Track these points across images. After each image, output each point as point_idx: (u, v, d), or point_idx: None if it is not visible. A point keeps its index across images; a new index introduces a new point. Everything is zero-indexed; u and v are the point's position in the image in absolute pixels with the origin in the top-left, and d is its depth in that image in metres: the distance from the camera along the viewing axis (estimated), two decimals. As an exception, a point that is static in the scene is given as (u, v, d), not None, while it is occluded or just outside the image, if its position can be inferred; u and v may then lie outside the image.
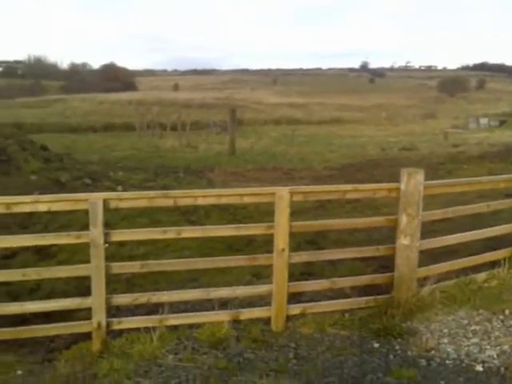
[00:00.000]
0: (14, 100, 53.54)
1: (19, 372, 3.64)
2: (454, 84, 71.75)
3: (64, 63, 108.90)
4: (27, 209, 3.97)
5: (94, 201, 3.81)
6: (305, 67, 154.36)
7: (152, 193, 4.21)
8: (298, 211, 8.73)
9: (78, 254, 6.35)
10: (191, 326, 4.17)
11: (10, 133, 17.45)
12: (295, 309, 4.34)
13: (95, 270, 3.86)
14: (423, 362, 3.70)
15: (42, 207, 3.89)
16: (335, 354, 3.83)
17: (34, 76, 75.98)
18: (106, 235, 3.87)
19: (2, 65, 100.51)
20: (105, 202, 3.83)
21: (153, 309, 4.74)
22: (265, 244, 6.47)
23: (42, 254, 6.83)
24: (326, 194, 4.61)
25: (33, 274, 4.17)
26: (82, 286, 5.21)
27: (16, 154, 13.73)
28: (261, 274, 5.63)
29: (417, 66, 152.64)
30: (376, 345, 3.96)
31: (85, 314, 4.33)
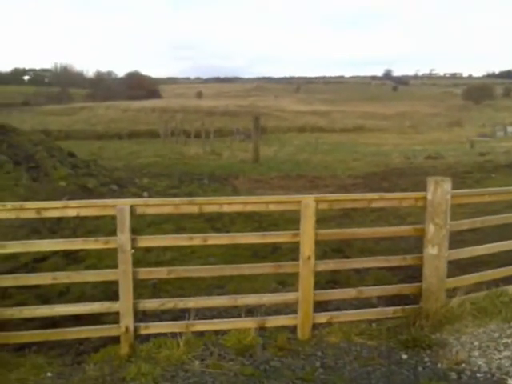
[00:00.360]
0: (42, 107, 54.80)
1: (49, 374, 3.70)
2: (479, 92, 70.65)
3: (90, 71, 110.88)
4: (57, 214, 4.07)
5: (121, 207, 3.86)
6: (327, 75, 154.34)
7: (178, 199, 4.25)
8: (322, 219, 8.71)
9: (105, 259, 6.44)
10: (217, 333, 4.18)
11: (38, 140, 17.82)
12: (321, 317, 4.31)
13: (123, 275, 3.91)
14: (453, 375, 3.62)
15: (72, 212, 3.97)
16: (362, 364, 3.80)
17: (60, 84, 77.66)
18: (133, 241, 3.92)
19: (30, 73, 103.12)
20: (132, 208, 3.89)
21: (178, 314, 4.78)
22: (290, 252, 6.47)
23: (71, 259, 6.94)
24: (352, 203, 4.59)
25: (63, 277, 4.24)
26: (109, 291, 5.28)
27: (44, 161, 14.01)
28: (286, 282, 5.62)
29: (441, 74, 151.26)
30: (404, 356, 3.90)
31: (112, 318, 4.40)
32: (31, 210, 3.87)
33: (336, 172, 18.65)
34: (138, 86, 77.18)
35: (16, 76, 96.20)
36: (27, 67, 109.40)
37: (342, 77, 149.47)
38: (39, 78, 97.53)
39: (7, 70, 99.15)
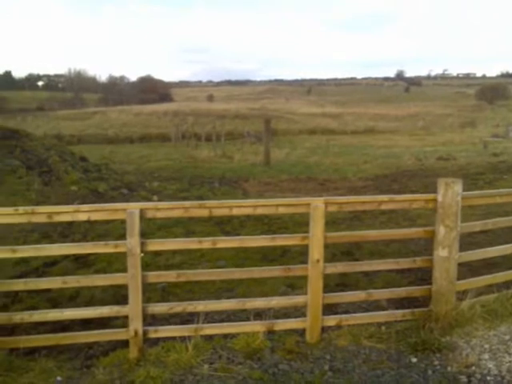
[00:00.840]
0: (56, 112, 55.39)
1: (59, 378, 3.72)
2: (493, 92, 69.83)
3: (103, 76, 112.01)
4: (68, 218, 4.09)
5: (131, 210, 3.88)
6: (339, 77, 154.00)
7: (188, 203, 4.24)
8: (331, 221, 8.68)
9: (115, 263, 6.49)
10: (226, 336, 4.18)
11: (50, 144, 18.04)
12: (331, 320, 4.29)
13: (132, 278, 3.92)
14: (463, 379, 3.59)
15: (82, 217, 3.99)
16: (372, 367, 3.77)
17: (73, 89, 78.47)
18: (143, 245, 3.94)
19: (44, 78, 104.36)
20: (142, 211, 3.90)
21: (187, 318, 4.79)
22: (299, 255, 6.46)
23: (81, 263, 6.99)
24: (362, 205, 4.55)
25: (73, 281, 4.27)
26: (118, 295, 5.32)
27: (57, 165, 14.16)
28: (295, 285, 5.60)
29: (455, 74, 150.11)
30: (414, 359, 3.86)
31: (121, 322, 4.42)
32: (42, 214, 3.90)
33: (346, 174, 18.58)
34: (151, 90, 77.82)
35: (30, 81, 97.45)
36: (41, 73, 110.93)
37: (353, 78, 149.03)
38: (53, 83, 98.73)
39: (22, 76, 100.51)
